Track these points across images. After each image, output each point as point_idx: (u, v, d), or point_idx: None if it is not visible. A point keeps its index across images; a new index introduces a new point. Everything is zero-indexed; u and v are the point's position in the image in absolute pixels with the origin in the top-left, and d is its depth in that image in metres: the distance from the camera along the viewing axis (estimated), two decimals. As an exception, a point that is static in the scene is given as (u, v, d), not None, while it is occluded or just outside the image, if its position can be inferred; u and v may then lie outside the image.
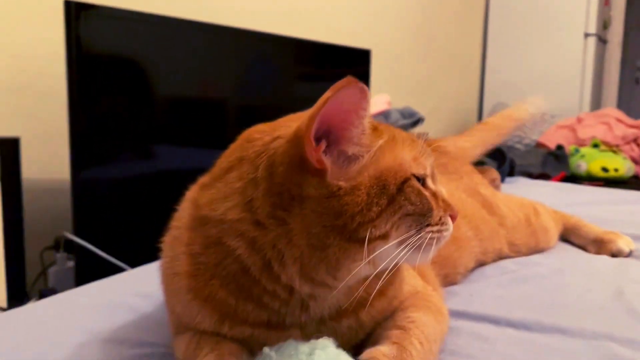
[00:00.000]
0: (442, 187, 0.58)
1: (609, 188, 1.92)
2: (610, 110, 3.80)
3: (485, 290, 0.84)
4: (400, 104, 2.89)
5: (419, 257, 0.54)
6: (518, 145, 3.72)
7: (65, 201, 1.62)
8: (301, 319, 0.56)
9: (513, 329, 0.71)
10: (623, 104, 4.40)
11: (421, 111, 3.08)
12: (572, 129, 3.68)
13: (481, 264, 0.94)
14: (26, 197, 1.37)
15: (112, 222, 1.43)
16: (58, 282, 1.48)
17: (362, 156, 0.52)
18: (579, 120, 3.73)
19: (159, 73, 1.53)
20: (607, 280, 0.90)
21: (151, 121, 1.53)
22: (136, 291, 0.84)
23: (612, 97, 4.50)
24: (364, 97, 0.50)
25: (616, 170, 3.21)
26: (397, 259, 0.52)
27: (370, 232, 0.50)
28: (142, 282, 0.87)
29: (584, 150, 3.33)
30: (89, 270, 1.36)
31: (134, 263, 1.37)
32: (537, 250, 1.06)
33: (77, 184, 1.34)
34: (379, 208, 0.50)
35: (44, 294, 1.42)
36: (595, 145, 3.33)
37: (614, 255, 1.06)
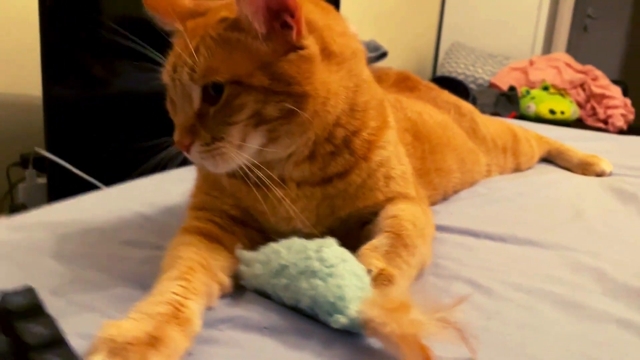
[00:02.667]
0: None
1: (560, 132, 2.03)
2: (561, 55, 3.93)
3: (462, 209, 0.92)
4: (363, 36, 2.87)
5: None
6: (472, 85, 3.83)
7: (30, 118, 1.59)
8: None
9: (491, 241, 0.79)
10: (572, 49, 4.55)
11: (386, 45, 3.11)
12: (524, 71, 3.79)
13: (457, 191, 1.01)
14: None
15: (83, 139, 1.42)
16: (27, 198, 1.47)
17: None
18: (531, 63, 3.84)
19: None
20: (563, 204, 0.99)
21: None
22: (141, 201, 0.87)
23: (562, 42, 4.63)
24: None
25: (562, 113, 3.36)
26: None
27: None
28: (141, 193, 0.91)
29: (534, 92, 3.46)
30: (62, 187, 1.37)
31: (105, 180, 1.39)
32: (514, 171, 1.18)
33: (49, 100, 1.32)
34: None
35: (13, 209, 1.42)
36: (545, 88, 3.46)
37: (598, 175, 1.21)
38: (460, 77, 3.94)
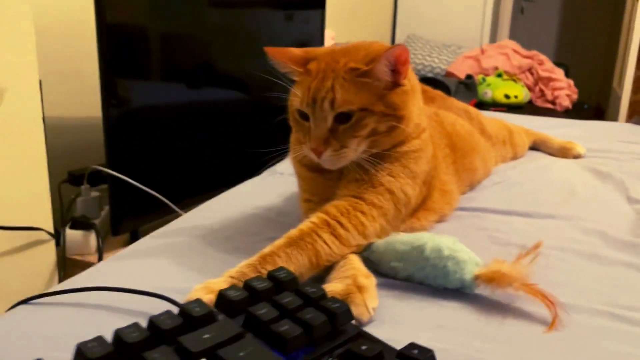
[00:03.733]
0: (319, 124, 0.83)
1: (513, 114, 2.35)
2: (508, 42, 4.28)
3: (490, 195, 1.19)
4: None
5: None
6: (429, 75, 4.14)
7: (69, 138, 1.77)
8: None
9: (520, 217, 1.07)
10: (512, 34, 4.93)
11: (344, 41, 3.29)
12: (477, 59, 4.13)
13: (479, 182, 1.29)
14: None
15: (139, 155, 1.62)
16: (86, 210, 1.65)
17: None
18: (482, 51, 4.18)
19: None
20: (560, 185, 1.29)
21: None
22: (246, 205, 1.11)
23: (505, 28, 5.01)
24: None
25: (516, 97, 3.72)
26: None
27: None
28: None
29: (490, 79, 3.80)
30: (122, 199, 1.56)
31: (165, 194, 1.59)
32: (512, 159, 1.49)
33: (108, 120, 1.50)
34: None
35: (75, 221, 1.61)
36: (499, 75, 3.80)
37: (575, 157, 1.54)
38: (419, 68, 4.24)
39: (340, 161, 0.85)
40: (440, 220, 1.03)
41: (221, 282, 0.70)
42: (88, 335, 0.46)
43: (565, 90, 3.89)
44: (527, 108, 3.74)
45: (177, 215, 1.72)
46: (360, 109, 0.82)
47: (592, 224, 1.04)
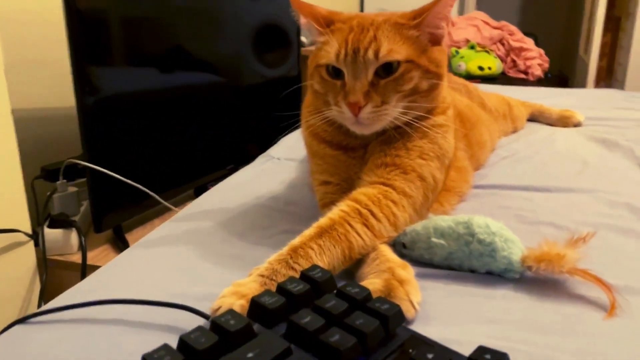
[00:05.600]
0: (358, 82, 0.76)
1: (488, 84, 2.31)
2: (477, 14, 4.25)
3: (501, 171, 1.14)
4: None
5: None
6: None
7: (40, 131, 1.65)
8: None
9: (539, 192, 1.02)
10: (479, 5, 4.90)
11: None
12: (448, 32, 4.08)
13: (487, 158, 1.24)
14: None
15: (121, 145, 1.51)
16: (64, 208, 1.54)
17: None
18: (453, 23, 4.13)
19: None
20: (569, 155, 1.25)
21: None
22: (250, 194, 1.02)
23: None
24: None
25: (490, 68, 3.70)
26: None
27: None
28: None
29: (463, 51, 3.76)
30: (103, 193, 1.46)
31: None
32: (512, 132, 1.44)
33: (83, 110, 1.38)
34: None
35: (53, 219, 1.50)
36: (472, 47, 3.77)
37: (576, 125, 1.51)
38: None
39: (379, 120, 0.78)
40: (461, 200, 0.97)
41: (251, 284, 0.62)
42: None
43: (537, 59, 3.89)
44: (500, 79, 3.72)
45: (162, 207, 1.63)
46: (406, 60, 0.76)
47: (615, 196, 0.99)
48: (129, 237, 1.55)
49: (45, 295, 1.37)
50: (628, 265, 0.76)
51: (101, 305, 0.63)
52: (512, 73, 3.90)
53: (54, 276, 1.44)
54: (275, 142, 1.96)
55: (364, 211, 0.73)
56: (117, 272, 0.76)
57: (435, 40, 0.80)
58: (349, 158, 0.84)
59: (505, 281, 0.71)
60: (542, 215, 0.91)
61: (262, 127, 2.18)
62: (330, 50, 0.77)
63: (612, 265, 0.74)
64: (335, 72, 0.78)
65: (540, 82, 3.77)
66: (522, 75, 3.85)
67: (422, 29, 0.78)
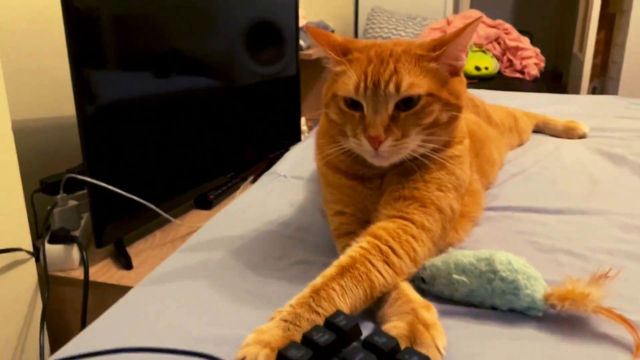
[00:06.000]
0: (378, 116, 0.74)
1: (496, 90, 2.30)
2: (473, 12, 4.24)
3: (511, 190, 1.13)
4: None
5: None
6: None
7: (38, 143, 1.62)
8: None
9: (551, 215, 1.01)
10: (473, 3, 4.89)
11: (315, 20, 3.19)
12: (443, 31, 4.06)
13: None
14: None
15: (122, 156, 1.48)
16: (64, 222, 1.52)
17: None
18: (449, 22, 4.12)
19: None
20: (577, 171, 1.24)
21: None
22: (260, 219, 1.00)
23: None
24: None
25: (486, 68, 3.69)
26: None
27: None
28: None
29: (459, 51, 3.75)
30: (104, 207, 1.43)
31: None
32: (518, 146, 1.44)
33: (84, 120, 1.35)
34: None
35: (53, 235, 1.47)
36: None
37: (580, 137, 1.51)
38: (385, 40, 4.15)
39: (399, 153, 0.76)
40: (474, 225, 0.96)
41: (274, 330, 0.60)
42: None
43: (533, 59, 3.88)
44: (496, 79, 3.72)
45: (163, 219, 1.61)
46: (427, 93, 0.74)
47: (628, 219, 0.99)
48: (129, 250, 1.53)
49: (47, 312, 1.35)
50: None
51: (114, 354, 0.61)
52: (508, 73, 3.90)
53: (56, 292, 1.42)
54: (275, 149, 1.94)
55: (385, 248, 0.71)
56: (127, 313, 0.74)
57: (455, 72, 0.79)
58: (365, 188, 0.83)
59: (528, 319, 0.70)
60: (558, 241, 0.90)
61: (262, 130, 2.16)
62: (348, 82, 0.76)
63: (632, 298, 0.73)
64: (353, 104, 0.77)
65: (535, 81, 3.78)
66: (519, 75, 3.85)
67: (442, 60, 0.76)
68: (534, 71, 3.81)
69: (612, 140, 1.44)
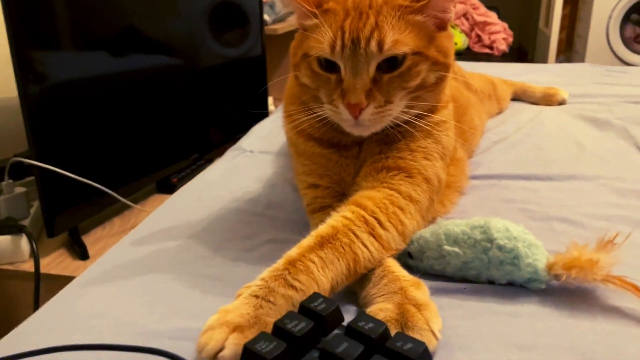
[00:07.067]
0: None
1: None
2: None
3: (496, 158, 1.05)
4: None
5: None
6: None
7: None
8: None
9: (542, 181, 0.94)
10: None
11: None
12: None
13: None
14: None
15: (71, 139, 1.36)
16: (11, 210, 1.39)
17: None
18: (416, -2, 4.04)
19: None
20: (562, 138, 1.17)
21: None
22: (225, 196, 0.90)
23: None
24: None
25: (455, 44, 3.62)
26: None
27: None
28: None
29: (428, 27, 3.68)
30: (55, 193, 1.31)
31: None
32: (498, 114, 1.35)
33: (27, 101, 1.23)
34: None
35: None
36: (437, 22, 3.69)
37: (560, 103, 1.44)
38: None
39: (382, 122, 0.67)
40: (461, 195, 0.88)
41: (243, 308, 0.51)
42: None
43: (501, 33, 3.84)
44: (465, 54, 3.66)
45: (122, 205, 1.50)
46: (413, 52, 0.65)
47: (620, 183, 0.92)
48: (85, 239, 1.41)
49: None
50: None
51: (55, 353, 0.51)
52: (477, 48, 3.84)
53: (4, 287, 1.30)
54: (242, 130, 1.83)
55: (370, 219, 0.62)
56: (68, 309, 0.63)
57: (442, 25, 0.69)
58: (341, 157, 0.74)
59: (529, 293, 0.62)
60: (551, 209, 0.83)
61: (226, 111, 2.05)
62: (322, 40, 0.65)
63: (637, 266, 0.66)
64: (328, 65, 0.66)
65: (504, 56, 3.73)
66: (487, 50, 3.80)
67: (428, 12, 0.66)
68: (502, 46, 3.77)
69: (594, 105, 1.38)
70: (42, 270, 1.28)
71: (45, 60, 1.28)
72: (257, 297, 0.53)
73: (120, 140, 1.49)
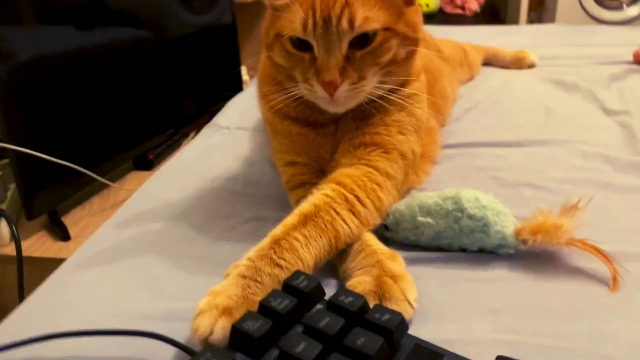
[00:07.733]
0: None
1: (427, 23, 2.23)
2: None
3: (467, 125, 1.08)
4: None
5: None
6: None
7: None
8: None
9: (510, 147, 0.97)
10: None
11: None
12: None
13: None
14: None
15: (44, 119, 1.35)
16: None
17: None
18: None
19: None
20: (530, 102, 1.20)
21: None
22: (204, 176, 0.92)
23: None
24: None
25: (427, 5, 3.62)
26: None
27: None
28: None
29: (399, -11, 3.65)
30: (32, 175, 1.31)
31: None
32: (469, 80, 1.38)
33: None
34: None
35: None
36: (408, -16, 3.66)
37: (530, 67, 1.47)
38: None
39: (356, 98, 0.69)
40: (433, 165, 0.90)
41: (231, 289, 0.53)
42: None
43: (472, -7, 3.83)
44: (438, 16, 3.66)
45: (100, 184, 1.50)
46: (384, 28, 0.66)
47: (586, 146, 0.96)
48: (65, 220, 1.42)
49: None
50: (616, 226, 0.72)
51: (44, 341, 0.53)
52: (449, 9, 3.84)
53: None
54: (216, 102, 1.83)
55: (350, 196, 0.65)
56: (55, 296, 0.64)
57: (410, 1, 0.70)
58: (318, 135, 0.75)
59: (499, 259, 0.65)
60: (519, 175, 0.86)
61: (200, 82, 2.04)
62: (294, 19, 0.66)
63: (600, 227, 0.70)
64: (301, 44, 0.67)
65: (476, 16, 3.74)
66: (460, 11, 3.80)
67: None
68: (474, 6, 3.77)
69: (562, 68, 1.42)
70: (24, 253, 1.29)
71: (9, 36, 1.25)
72: (244, 277, 0.55)
73: (93, 117, 1.48)
